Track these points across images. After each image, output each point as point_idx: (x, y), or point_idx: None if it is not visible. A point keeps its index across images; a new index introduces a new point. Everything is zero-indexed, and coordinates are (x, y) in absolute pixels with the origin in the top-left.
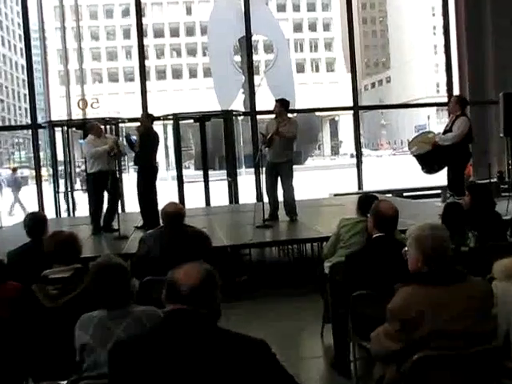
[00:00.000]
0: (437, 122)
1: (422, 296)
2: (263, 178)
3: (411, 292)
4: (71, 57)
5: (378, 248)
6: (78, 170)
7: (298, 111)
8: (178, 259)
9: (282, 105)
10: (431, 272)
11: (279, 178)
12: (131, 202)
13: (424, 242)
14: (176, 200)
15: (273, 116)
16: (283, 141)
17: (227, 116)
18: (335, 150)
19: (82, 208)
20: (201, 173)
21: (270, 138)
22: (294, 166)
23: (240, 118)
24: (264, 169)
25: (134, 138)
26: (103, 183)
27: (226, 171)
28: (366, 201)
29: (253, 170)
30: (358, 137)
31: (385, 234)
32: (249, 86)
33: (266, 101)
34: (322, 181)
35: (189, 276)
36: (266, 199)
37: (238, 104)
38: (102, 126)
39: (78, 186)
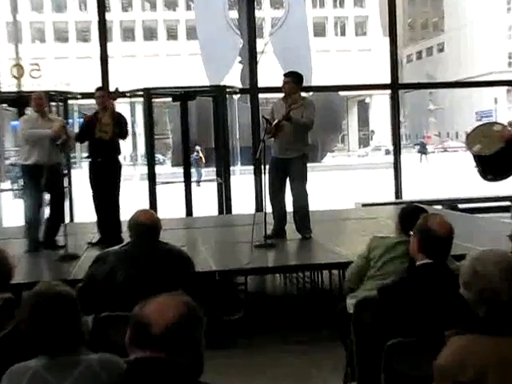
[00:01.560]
0: (508, 108)
1: (483, 350)
2: (266, 179)
3: (468, 344)
4: (1, 5)
5: (423, 280)
6: (7, 162)
7: (316, 89)
8: (149, 288)
9: (294, 80)
10: (497, 318)
11: (288, 181)
12: (83, 208)
13: (487, 278)
14: (147, 207)
15: (281, 95)
16: (295, 129)
17: (218, 94)
18: (365, 144)
19: (14, 215)
20: (180, 171)
21: (276, 124)
22: (309, 165)
23: (236, 96)
24: (267, 167)
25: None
26: (41, 181)
27: (215, 169)
28: (410, 214)
29: (252, 168)
30: (397, 126)
31: (434, 260)
32: (249, 54)
33: (271, 74)
34: (346, 185)
35: (163, 312)
36: (269, 209)
37: (234, 78)
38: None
39: (6, 185)
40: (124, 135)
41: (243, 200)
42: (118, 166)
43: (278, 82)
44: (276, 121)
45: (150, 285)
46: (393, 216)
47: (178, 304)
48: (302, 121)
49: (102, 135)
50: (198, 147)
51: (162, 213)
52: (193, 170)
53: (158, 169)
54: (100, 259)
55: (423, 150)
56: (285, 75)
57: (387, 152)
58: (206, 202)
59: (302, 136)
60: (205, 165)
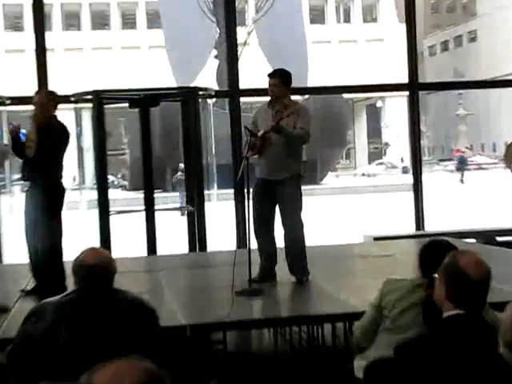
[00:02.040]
0: None
1: None
2: (250, 206)
3: None
4: None
5: (452, 336)
6: None
7: (313, 91)
8: (101, 350)
9: (283, 81)
10: None
11: (278, 208)
12: (15, 246)
13: None
14: (97, 244)
15: (267, 99)
16: (286, 143)
17: (188, 97)
18: (376, 159)
19: None
20: (140, 196)
21: (262, 137)
22: (305, 187)
23: (211, 101)
24: (252, 191)
25: (25, 133)
26: None
27: (184, 194)
28: (434, 251)
29: (232, 192)
30: (417, 137)
31: (466, 311)
32: (227, 46)
33: (256, 72)
34: (352, 213)
35: (118, 383)
36: (254, 244)
37: (208, 77)
38: None
39: None
40: (41, 151)
41: (221, 233)
42: (52, 191)
43: (264, 82)
44: (262, 132)
45: (101, 346)
46: (413, 252)
47: (138, 371)
48: (296, 132)
49: (27, 151)
50: (182, 165)
51: (117, 251)
52: (177, 194)
53: (111, 194)
54: (36, 313)
55: (462, 167)
56: (270, 75)
57: (405, 170)
58: (173, 235)
59: (296, 151)
60: (171, 188)
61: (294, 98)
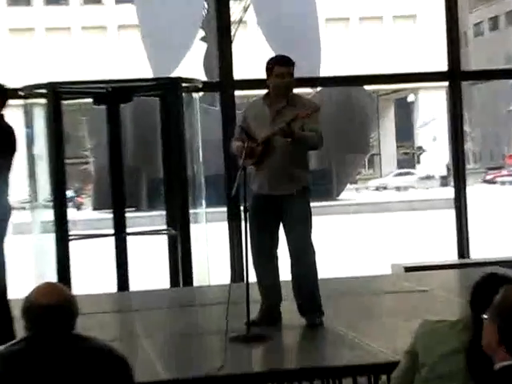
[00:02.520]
0: None
1: None
2: (247, 229)
3: None
4: None
5: None
6: None
7: (327, 82)
8: None
9: (293, 69)
10: None
11: (283, 230)
12: None
13: None
14: (54, 279)
15: (262, 92)
16: (294, 150)
17: (169, 91)
18: (407, 167)
19: None
20: (108, 217)
21: (265, 141)
22: (318, 204)
23: (197, 95)
24: (249, 210)
25: None
26: None
27: (164, 213)
28: (484, 286)
29: (224, 211)
30: (460, 139)
31: None
32: (217, 25)
33: (253, 59)
34: (378, 236)
35: None
36: (253, 277)
37: (194, 65)
38: None
39: None
40: None
41: (211, 263)
42: (5, 211)
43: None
44: (264, 136)
45: None
46: (455, 287)
47: None
48: (311, 137)
49: None
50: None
51: (80, 287)
52: (155, 213)
53: (71, 214)
54: None
55: None
56: (284, 62)
57: (444, 182)
58: (151, 266)
59: (303, 159)
60: (147, 206)
61: (303, 91)
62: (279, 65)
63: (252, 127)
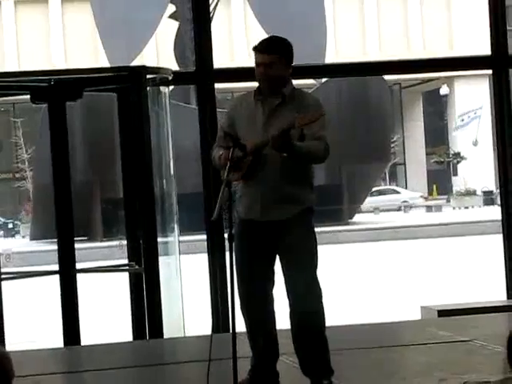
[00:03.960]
0: None
1: None
2: (233, 262)
3: None
4: None
5: None
6: None
7: (334, 71)
8: None
9: (284, 57)
10: None
11: (280, 265)
12: None
13: None
14: None
15: (252, 86)
16: (291, 161)
17: (129, 84)
18: (441, 180)
19: None
20: (52, 248)
21: (256, 151)
22: (325, 229)
23: (167, 89)
24: (235, 239)
25: None
26: None
27: (125, 244)
28: None
29: (203, 239)
30: (509, 143)
31: None
32: (192, 1)
33: (239, 42)
34: (403, 271)
35: None
36: (241, 325)
37: (162, 51)
38: None
39: None
40: None
41: (187, 308)
42: None
43: (251, 59)
44: (252, 142)
45: None
46: (504, 336)
47: None
48: (313, 148)
49: None
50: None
51: (16, 340)
52: (113, 244)
53: (3, 245)
54: None
55: None
56: (259, 49)
57: (489, 200)
58: (107, 311)
59: (304, 174)
60: (103, 235)
61: (303, 82)
62: (255, 50)
63: (240, 130)
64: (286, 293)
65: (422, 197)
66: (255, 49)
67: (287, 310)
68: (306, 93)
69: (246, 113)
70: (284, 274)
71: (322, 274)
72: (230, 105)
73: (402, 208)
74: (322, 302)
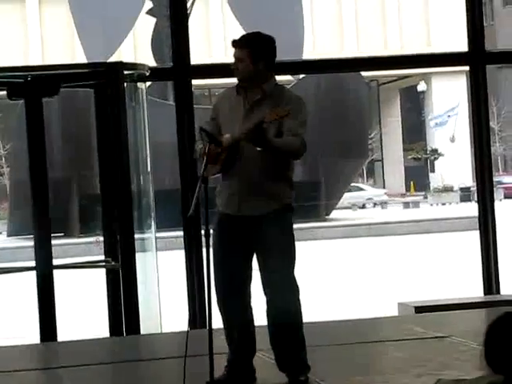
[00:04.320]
0: None
1: None
2: (209, 258)
3: None
4: None
5: None
6: None
7: (312, 67)
8: None
9: (256, 52)
10: None
11: (257, 263)
12: None
13: None
14: None
15: (233, 81)
16: (268, 156)
17: (106, 80)
18: (418, 178)
19: None
20: (28, 245)
21: (232, 146)
22: (303, 226)
23: (144, 85)
24: (212, 234)
25: None
26: None
27: (102, 240)
28: (504, 333)
29: (180, 235)
30: (485, 139)
31: None
32: None
33: (216, 38)
34: (380, 267)
35: None
36: (217, 321)
37: (139, 46)
38: None
39: None
40: None
41: (164, 304)
42: None
43: (229, 54)
44: (227, 138)
45: None
46: (481, 332)
47: None
48: (287, 143)
49: None
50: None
51: None
52: (90, 240)
53: None
54: None
55: None
56: (233, 42)
57: (465, 196)
58: (83, 308)
59: (282, 169)
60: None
61: (280, 78)
62: (232, 45)
63: (222, 124)
64: (262, 289)
65: (386, 194)
66: (232, 43)
67: (264, 306)
68: (287, 89)
69: (229, 106)
70: (260, 271)
71: (299, 270)
72: (216, 97)
73: (381, 205)
74: (299, 300)
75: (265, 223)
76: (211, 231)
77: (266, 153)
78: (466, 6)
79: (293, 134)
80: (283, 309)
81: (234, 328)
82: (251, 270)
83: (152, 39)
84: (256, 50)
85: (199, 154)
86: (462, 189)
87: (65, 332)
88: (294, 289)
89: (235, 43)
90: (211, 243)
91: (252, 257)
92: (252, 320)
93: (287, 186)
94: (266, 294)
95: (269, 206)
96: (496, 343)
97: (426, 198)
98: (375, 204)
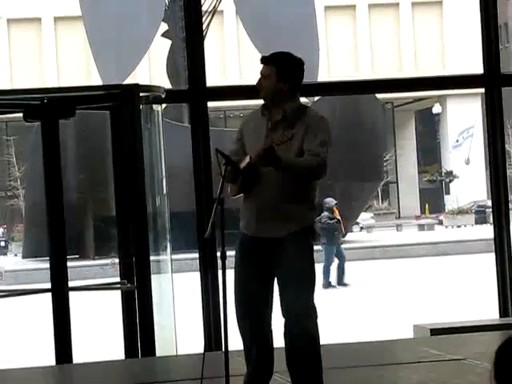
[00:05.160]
0: None
1: None
2: (225, 280)
3: None
4: None
5: None
6: None
7: (326, 89)
8: None
9: (282, 69)
10: None
11: (276, 284)
12: None
13: None
14: None
15: (257, 103)
16: (289, 179)
17: (122, 102)
18: (433, 199)
19: None
20: (44, 267)
21: (251, 168)
22: (319, 248)
23: (160, 107)
24: (235, 253)
25: None
26: None
27: (117, 262)
28: None
29: (196, 257)
30: (502, 162)
31: None
32: (185, 18)
33: (233, 59)
34: (396, 290)
35: None
36: (235, 342)
37: (155, 69)
38: None
39: None
40: None
41: (179, 326)
42: None
43: (252, 74)
44: (246, 160)
45: None
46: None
47: None
48: (302, 162)
49: None
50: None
51: (6, 358)
52: (105, 262)
53: None
54: None
55: None
56: (264, 59)
57: (481, 219)
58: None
59: (301, 190)
60: (95, 253)
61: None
62: (260, 62)
63: (247, 144)
64: (281, 312)
65: (373, 218)
66: (261, 60)
67: (281, 329)
68: (310, 109)
69: (253, 127)
70: (280, 295)
71: (318, 294)
72: (243, 118)
73: (397, 227)
74: (316, 324)
75: (283, 245)
76: (233, 252)
77: (284, 174)
78: (482, 28)
79: (312, 153)
80: (300, 332)
81: (251, 349)
82: (271, 292)
83: (167, 61)
84: (282, 69)
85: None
86: (477, 211)
87: (80, 354)
88: (312, 315)
89: (263, 60)
90: (235, 262)
91: (273, 279)
92: (271, 342)
93: (308, 208)
94: (284, 317)
95: (287, 229)
96: (506, 364)
97: (440, 221)
98: (362, 228)
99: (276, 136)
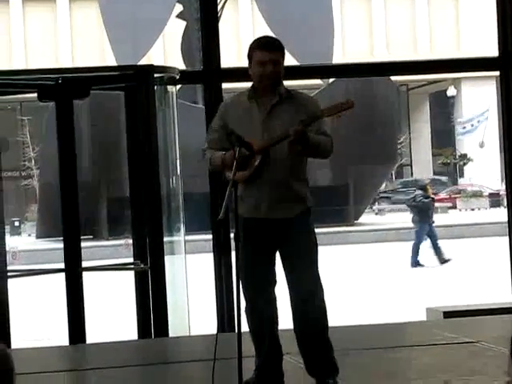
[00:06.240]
0: None
1: None
2: (238, 262)
3: None
4: None
5: None
6: None
7: (341, 71)
8: None
9: (284, 54)
10: None
11: (282, 265)
12: None
13: None
14: None
15: (245, 86)
16: (293, 159)
17: (137, 83)
18: (446, 182)
19: None
20: (58, 247)
21: (264, 150)
22: (331, 230)
23: (174, 88)
24: (240, 238)
25: None
26: None
27: (131, 243)
28: None
29: (209, 239)
30: None
31: None
32: (199, 0)
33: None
34: (408, 273)
35: None
36: (246, 324)
37: (169, 50)
38: None
39: None
40: None
41: (192, 307)
42: None
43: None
44: (258, 142)
45: None
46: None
47: None
48: (323, 143)
49: None
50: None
51: (20, 338)
52: (119, 242)
53: (10, 242)
54: None
55: None
56: (267, 47)
57: (495, 201)
58: (113, 310)
59: (302, 171)
60: (109, 234)
61: (312, 82)
62: (260, 49)
63: (238, 130)
64: (288, 292)
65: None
66: (260, 47)
67: (288, 309)
68: (300, 92)
69: (240, 113)
70: (286, 275)
71: (328, 274)
72: (221, 106)
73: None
74: (324, 302)
75: (290, 226)
76: (240, 236)
77: (289, 156)
78: (497, 10)
79: (321, 132)
80: (309, 312)
81: (262, 332)
82: (275, 273)
83: (182, 42)
84: (284, 54)
85: (222, 161)
86: (491, 194)
87: (93, 334)
88: (318, 292)
89: (272, 46)
90: (240, 247)
91: (275, 260)
92: (277, 324)
93: (308, 189)
94: (291, 297)
95: (296, 209)
96: None
97: (452, 204)
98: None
99: (279, 117)
